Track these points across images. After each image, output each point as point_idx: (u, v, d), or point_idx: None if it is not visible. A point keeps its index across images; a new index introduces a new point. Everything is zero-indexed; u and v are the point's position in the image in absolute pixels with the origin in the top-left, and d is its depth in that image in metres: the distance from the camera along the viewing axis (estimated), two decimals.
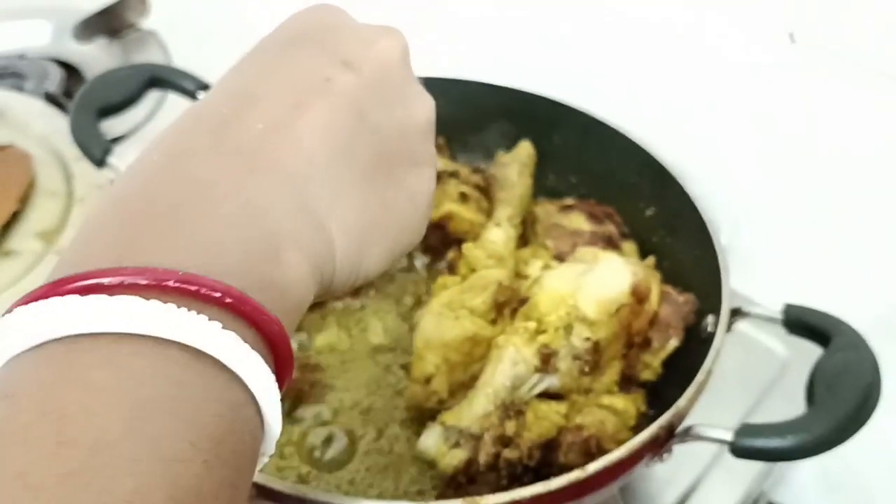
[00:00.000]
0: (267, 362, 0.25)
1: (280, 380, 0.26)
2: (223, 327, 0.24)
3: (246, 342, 0.24)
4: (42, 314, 0.23)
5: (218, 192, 0.28)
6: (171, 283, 0.24)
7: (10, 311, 0.24)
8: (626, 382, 0.57)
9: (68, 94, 0.93)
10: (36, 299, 0.24)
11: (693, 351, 0.58)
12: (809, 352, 0.52)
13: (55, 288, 0.24)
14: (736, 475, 0.65)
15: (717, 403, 0.55)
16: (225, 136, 0.30)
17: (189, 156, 0.29)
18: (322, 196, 0.30)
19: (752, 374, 0.71)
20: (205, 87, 0.69)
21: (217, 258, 0.26)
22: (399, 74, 0.35)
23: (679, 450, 0.58)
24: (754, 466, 0.65)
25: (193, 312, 0.24)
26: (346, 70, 0.33)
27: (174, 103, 0.88)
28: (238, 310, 0.25)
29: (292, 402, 0.58)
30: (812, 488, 0.83)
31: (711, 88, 0.72)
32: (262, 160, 0.29)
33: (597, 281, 0.53)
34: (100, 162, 0.63)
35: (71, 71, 0.98)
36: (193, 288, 0.24)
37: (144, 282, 0.24)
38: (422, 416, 0.57)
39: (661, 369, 0.59)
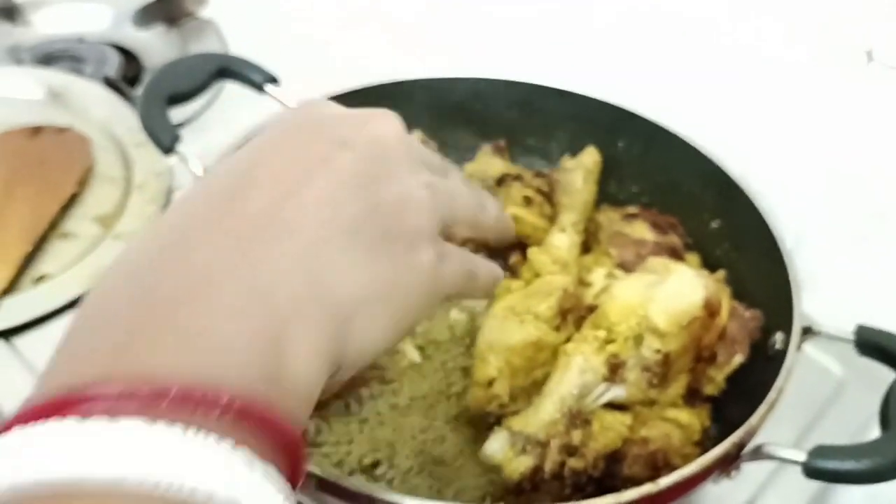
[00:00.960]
0: (279, 467, 0.25)
1: (293, 481, 0.26)
2: (233, 445, 0.23)
3: (255, 453, 0.24)
4: (38, 444, 0.23)
5: (217, 279, 0.27)
6: (170, 397, 0.23)
7: (8, 427, 0.24)
8: (692, 396, 0.56)
9: (127, 79, 0.93)
10: (35, 417, 0.23)
11: (757, 367, 0.57)
12: (866, 373, 0.51)
13: (55, 408, 0.23)
14: (791, 495, 0.64)
15: (774, 421, 0.55)
16: (224, 218, 0.29)
17: (186, 241, 0.28)
18: (327, 273, 0.30)
19: (808, 394, 0.70)
20: (273, 79, 0.69)
21: (220, 357, 0.25)
22: (395, 152, 0.35)
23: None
24: (810, 487, 0.65)
25: (199, 436, 0.23)
26: (343, 149, 0.33)
27: (232, 93, 0.88)
28: (246, 418, 0.24)
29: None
30: None
31: (781, 102, 0.71)
32: (264, 241, 0.29)
33: (669, 292, 0.52)
34: (168, 149, 0.63)
35: (128, 57, 0.98)
36: (195, 401, 0.24)
37: (143, 397, 0.23)
38: (477, 420, 0.56)
39: (724, 384, 0.58)
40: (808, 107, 0.69)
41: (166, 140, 0.63)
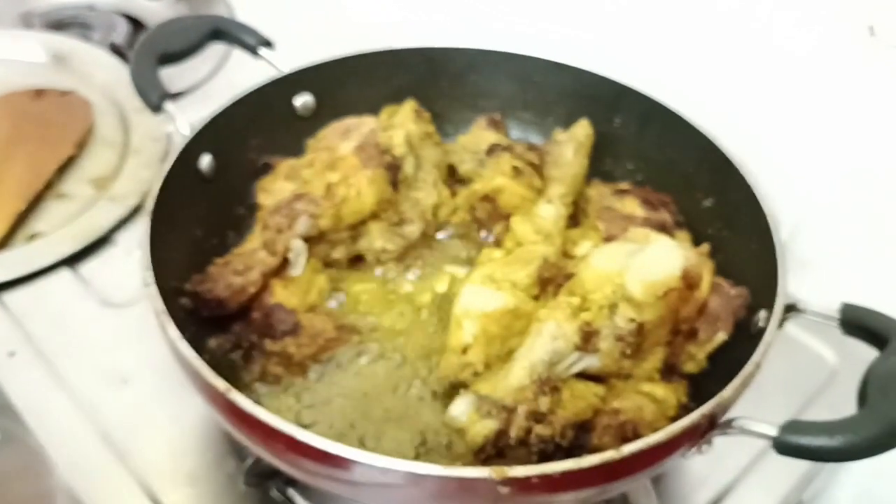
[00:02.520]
0: None
1: None
2: None
3: None
4: None
5: None
6: None
7: None
8: (669, 372, 0.55)
9: (133, 46, 0.93)
10: None
11: (741, 347, 0.56)
12: (860, 360, 0.50)
13: None
14: (772, 482, 0.62)
15: (761, 405, 0.53)
16: None
17: None
18: None
19: (799, 379, 0.68)
20: (267, 43, 0.69)
21: None
22: None
23: (713, 450, 0.56)
24: (792, 474, 0.63)
25: None
26: None
27: (236, 61, 0.88)
28: None
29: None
30: None
31: (781, 82, 0.69)
32: None
33: (647, 262, 0.51)
34: (156, 107, 0.63)
35: (137, 25, 0.99)
36: None
37: None
38: (451, 388, 0.56)
39: (706, 363, 0.57)
40: (808, 85, 0.67)
41: (154, 98, 0.63)
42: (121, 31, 0.95)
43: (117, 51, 0.91)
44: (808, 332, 0.71)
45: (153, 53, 0.64)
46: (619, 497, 0.59)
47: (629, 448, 0.44)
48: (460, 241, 0.67)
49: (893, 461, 0.72)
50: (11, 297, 0.70)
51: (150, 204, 0.55)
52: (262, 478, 0.58)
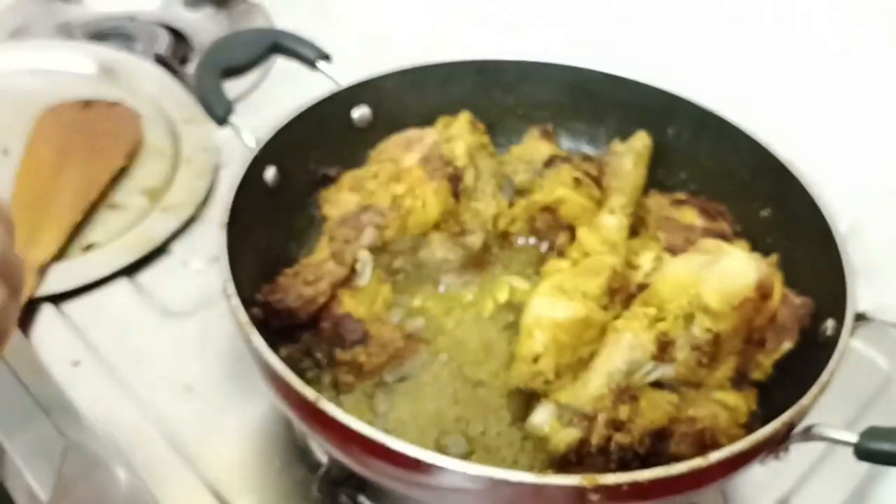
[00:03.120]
0: None
1: None
2: None
3: None
4: None
5: None
6: None
7: None
8: (739, 380, 0.56)
9: (176, 58, 0.94)
10: None
11: (806, 355, 0.57)
12: None
13: None
14: (834, 485, 0.63)
15: (818, 412, 0.54)
16: None
17: None
18: None
19: (854, 385, 0.69)
20: (325, 56, 0.69)
21: None
22: None
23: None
24: (853, 478, 0.64)
25: None
26: None
27: (281, 70, 0.89)
28: None
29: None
30: None
31: (832, 85, 0.70)
32: None
33: (722, 272, 0.52)
34: (222, 121, 0.64)
35: (178, 37, 1.00)
36: None
37: None
38: (522, 397, 0.56)
39: (772, 371, 0.58)
40: (861, 90, 0.68)
41: (220, 111, 0.64)
42: (163, 42, 0.96)
43: (162, 61, 0.92)
44: (861, 340, 0.72)
45: (217, 67, 0.65)
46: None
47: (716, 456, 0.45)
48: (519, 252, 0.67)
49: None
50: (71, 307, 0.70)
51: (224, 216, 0.56)
52: (335, 485, 0.58)
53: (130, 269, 0.73)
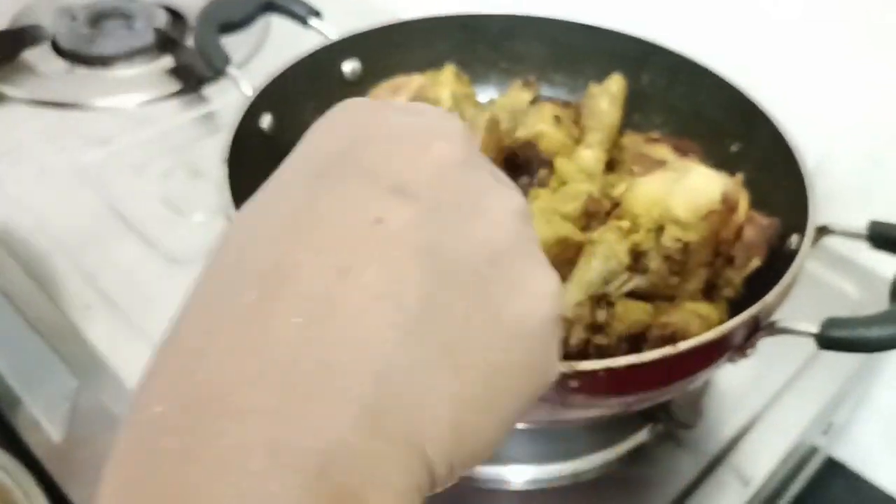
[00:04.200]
0: None
1: None
2: None
3: None
4: None
5: (246, 451, 0.20)
6: None
7: None
8: (709, 294, 0.60)
9: (175, 34, 0.98)
10: None
11: (774, 271, 0.60)
12: (882, 294, 0.54)
13: None
14: (804, 402, 0.67)
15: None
16: (248, 351, 0.22)
17: (195, 403, 0.22)
18: (399, 398, 0.22)
19: (824, 312, 0.72)
20: (315, 13, 0.73)
21: None
22: (466, 178, 0.27)
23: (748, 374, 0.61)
24: (822, 397, 0.67)
25: None
26: (399, 199, 0.25)
27: (278, 31, 0.93)
28: None
29: None
30: (876, 442, 0.84)
31: (796, 34, 0.74)
32: (305, 378, 0.21)
33: (689, 186, 0.56)
34: (220, 71, 0.68)
35: (175, 16, 1.03)
36: None
37: None
38: None
39: (742, 288, 0.61)
40: (828, 34, 0.72)
41: (219, 63, 0.68)
42: (161, 20, 1.00)
43: (162, 35, 0.95)
44: (832, 269, 0.76)
45: (214, 22, 0.69)
46: (664, 418, 0.63)
47: (685, 345, 0.48)
48: None
49: None
50: (80, 257, 0.74)
51: (224, 152, 0.60)
52: None
53: None
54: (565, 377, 0.47)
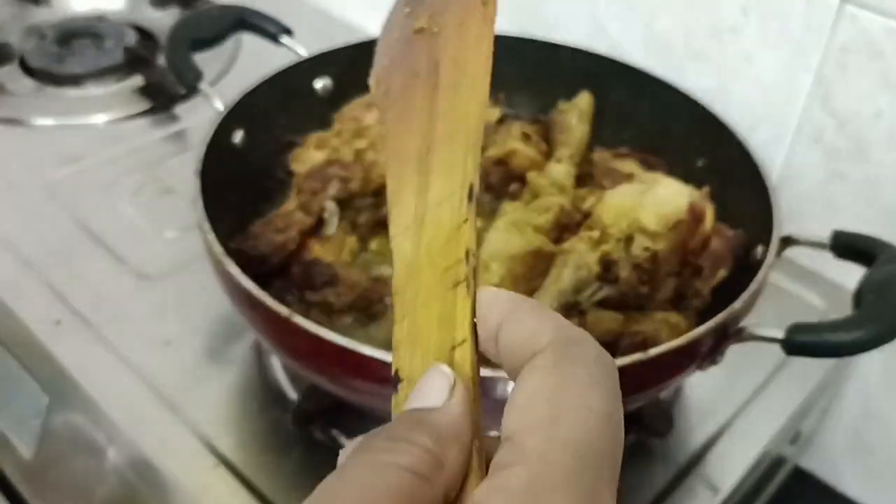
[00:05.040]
0: None
1: None
2: None
3: None
4: None
5: None
6: None
7: None
8: (679, 304, 0.61)
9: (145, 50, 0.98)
10: None
11: (740, 282, 0.62)
12: (846, 304, 0.55)
13: None
14: (772, 411, 0.68)
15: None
16: None
17: None
18: None
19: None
20: (287, 31, 0.74)
21: None
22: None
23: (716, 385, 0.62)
24: (788, 406, 0.68)
25: None
26: None
27: (249, 50, 0.94)
28: None
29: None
30: (843, 452, 0.86)
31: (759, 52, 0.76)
32: None
33: (658, 197, 0.57)
34: (192, 88, 0.68)
35: (144, 35, 1.04)
36: None
37: None
38: None
39: (710, 298, 0.62)
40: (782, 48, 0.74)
41: (191, 79, 0.68)
42: (131, 39, 1.00)
43: (132, 53, 0.95)
44: (797, 282, 0.77)
45: (186, 39, 0.70)
46: (635, 427, 0.64)
47: (655, 350, 0.49)
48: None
49: (881, 403, 0.79)
50: (49, 272, 0.73)
51: (197, 165, 0.60)
52: (308, 420, 0.62)
53: None
54: None
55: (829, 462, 0.87)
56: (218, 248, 0.54)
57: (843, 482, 0.87)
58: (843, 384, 0.81)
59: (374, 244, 0.67)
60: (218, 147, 0.64)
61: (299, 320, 0.49)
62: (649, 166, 0.71)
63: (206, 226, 0.55)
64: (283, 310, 0.50)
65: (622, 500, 0.24)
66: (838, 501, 0.87)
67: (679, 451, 0.64)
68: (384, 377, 0.49)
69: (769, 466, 0.73)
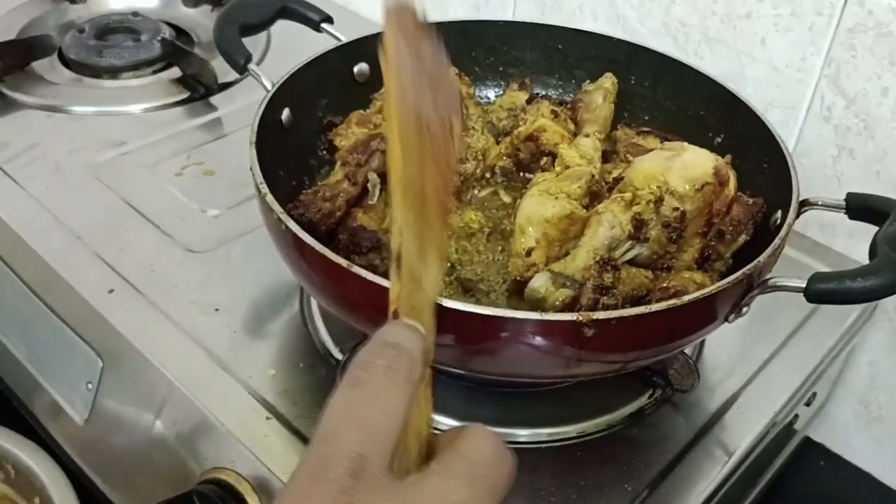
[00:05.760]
0: None
1: None
2: None
3: None
4: None
5: None
6: None
7: None
8: (703, 263, 0.65)
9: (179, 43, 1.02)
10: None
11: (760, 245, 0.66)
12: None
13: None
14: (787, 374, 0.72)
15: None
16: None
17: None
18: None
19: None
20: (328, 18, 0.79)
21: None
22: None
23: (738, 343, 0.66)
24: (804, 369, 0.72)
25: None
26: None
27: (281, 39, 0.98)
28: None
29: None
30: (853, 424, 0.90)
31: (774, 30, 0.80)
32: None
33: (684, 162, 0.61)
34: (242, 69, 0.72)
35: (179, 31, 1.08)
36: None
37: None
38: (521, 290, 0.64)
39: (731, 261, 0.66)
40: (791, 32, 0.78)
41: (241, 59, 0.72)
42: (165, 33, 1.04)
43: (168, 44, 1.00)
44: (808, 255, 0.82)
45: (235, 23, 0.74)
46: (662, 381, 0.67)
47: (688, 297, 0.53)
48: (507, 185, 0.76)
49: (889, 374, 0.83)
50: (101, 247, 0.77)
51: (252, 136, 0.64)
52: None
53: None
54: (581, 325, 0.51)
55: (839, 433, 0.90)
56: (277, 208, 0.57)
57: (852, 452, 0.90)
58: (853, 355, 0.85)
59: None
60: (267, 123, 0.68)
61: (358, 270, 0.53)
62: (670, 142, 0.75)
63: (265, 188, 0.59)
64: (342, 261, 0.54)
65: None
66: (848, 471, 0.91)
67: (705, 406, 0.68)
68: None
69: (783, 432, 0.77)
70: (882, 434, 0.88)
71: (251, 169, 0.61)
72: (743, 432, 0.67)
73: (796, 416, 0.75)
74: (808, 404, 0.76)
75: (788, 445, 0.85)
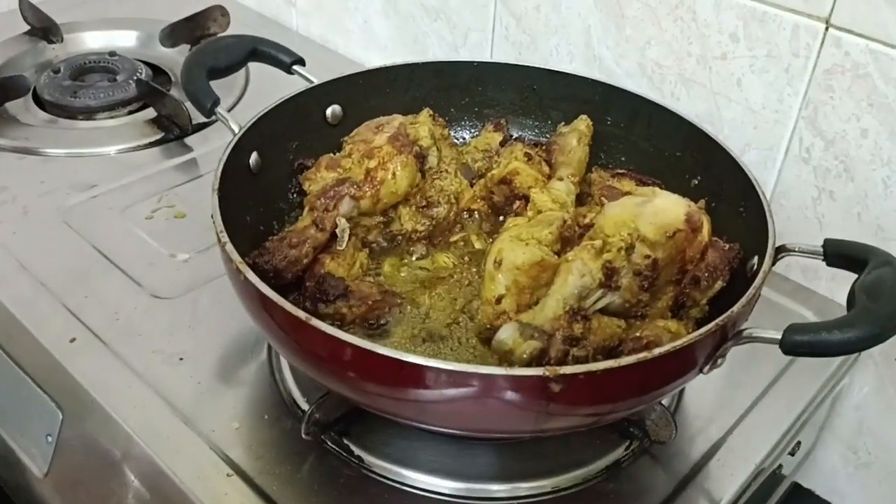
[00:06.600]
0: None
1: None
2: None
3: None
4: None
5: None
6: None
7: None
8: (678, 311, 0.63)
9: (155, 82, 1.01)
10: None
11: (737, 292, 0.64)
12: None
13: None
14: (770, 422, 0.69)
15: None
16: None
17: None
18: None
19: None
20: (300, 60, 0.77)
21: None
22: None
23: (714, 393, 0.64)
24: (786, 417, 0.70)
25: None
26: None
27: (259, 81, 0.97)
28: None
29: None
30: (841, 469, 0.87)
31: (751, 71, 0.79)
32: None
33: (656, 208, 0.60)
34: (209, 112, 0.71)
35: (156, 70, 1.07)
36: None
37: None
38: (488, 335, 0.62)
39: (708, 308, 0.65)
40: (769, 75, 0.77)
41: (208, 103, 0.71)
42: (142, 73, 1.03)
43: (143, 84, 0.98)
44: (790, 299, 0.80)
45: (203, 66, 0.73)
46: (639, 432, 0.65)
47: (659, 350, 0.51)
48: (479, 230, 0.74)
49: (875, 419, 0.81)
50: (65, 293, 0.75)
51: (215, 182, 0.62)
52: (320, 429, 0.63)
53: None
54: (548, 381, 0.49)
55: (826, 478, 0.88)
56: (236, 258, 0.56)
57: (842, 499, 0.88)
58: (839, 400, 0.83)
59: (386, 266, 0.70)
60: (233, 168, 0.66)
61: (317, 323, 0.51)
62: (645, 184, 0.73)
63: (225, 237, 0.57)
64: (300, 313, 0.52)
65: None
66: None
67: (683, 458, 0.66)
68: (398, 379, 0.51)
69: (769, 479, 0.75)
70: (871, 480, 0.86)
71: (212, 216, 0.60)
72: (726, 483, 0.65)
73: (780, 465, 0.73)
74: (792, 454, 0.74)
75: (776, 493, 0.82)
